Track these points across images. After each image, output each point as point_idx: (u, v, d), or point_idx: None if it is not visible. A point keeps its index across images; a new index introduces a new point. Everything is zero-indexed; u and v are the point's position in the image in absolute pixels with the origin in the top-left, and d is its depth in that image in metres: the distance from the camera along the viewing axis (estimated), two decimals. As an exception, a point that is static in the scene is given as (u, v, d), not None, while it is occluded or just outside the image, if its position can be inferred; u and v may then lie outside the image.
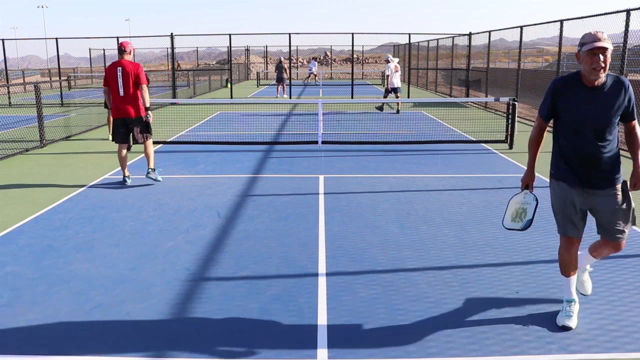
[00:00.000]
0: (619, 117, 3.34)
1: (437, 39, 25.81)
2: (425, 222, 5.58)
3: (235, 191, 6.89)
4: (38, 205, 6.30)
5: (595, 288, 4.00)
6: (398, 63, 17.16)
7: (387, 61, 16.88)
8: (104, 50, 34.89)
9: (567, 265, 3.52)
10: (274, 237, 5.17)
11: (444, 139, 10.79)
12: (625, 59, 9.62)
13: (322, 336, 3.35)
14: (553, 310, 3.65)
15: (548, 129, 3.62)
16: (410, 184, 7.24)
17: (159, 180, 7.23)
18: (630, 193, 3.41)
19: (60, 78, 23.39)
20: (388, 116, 15.55)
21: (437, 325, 3.48)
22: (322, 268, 4.41)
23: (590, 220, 3.55)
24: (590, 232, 3.79)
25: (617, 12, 9.85)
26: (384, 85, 17.07)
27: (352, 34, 21.35)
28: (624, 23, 9.51)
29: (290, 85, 22.62)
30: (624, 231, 3.41)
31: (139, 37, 66.17)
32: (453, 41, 22.62)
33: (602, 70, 3.14)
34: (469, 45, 19.74)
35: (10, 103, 20.32)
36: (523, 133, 11.82)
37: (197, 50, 41.62)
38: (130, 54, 7.18)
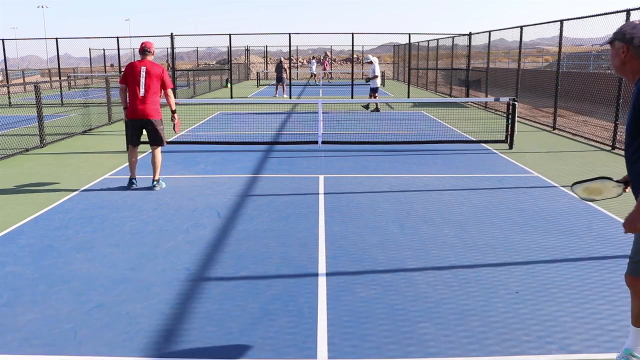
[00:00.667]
0: None
1: (437, 39, 25.82)
2: (425, 222, 5.58)
3: (235, 191, 6.89)
4: (38, 205, 6.30)
5: (595, 288, 4.00)
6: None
7: (371, 62, 16.86)
8: (104, 50, 34.95)
9: None
10: (274, 237, 5.17)
11: (444, 139, 10.78)
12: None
13: (322, 336, 3.35)
14: (553, 310, 3.66)
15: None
16: (410, 184, 7.24)
17: (164, 187, 7.11)
18: None
19: (60, 78, 23.39)
20: (388, 116, 15.56)
21: (437, 325, 3.48)
22: (322, 268, 4.41)
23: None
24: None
25: (617, 12, 9.85)
26: (369, 84, 17.25)
27: (352, 34, 21.35)
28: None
29: (290, 85, 22.64)
30: None
31: (139, 37, 66.10)
32: (453, 41, 22.62)
33: None
34: (469, 45, 19.74)
35: (10, 103, 20.33)
36: (523, 133, 11.82)
37: (197, 50, 41.61)
38: (153, 54, 7.02)
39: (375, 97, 16.70)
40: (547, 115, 14.47)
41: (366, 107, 16.77)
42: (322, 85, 33.23)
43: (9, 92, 21.50)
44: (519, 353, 3.15)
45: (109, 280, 4.20)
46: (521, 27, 14.66)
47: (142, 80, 6.76)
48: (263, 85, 33.41)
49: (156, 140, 6.95)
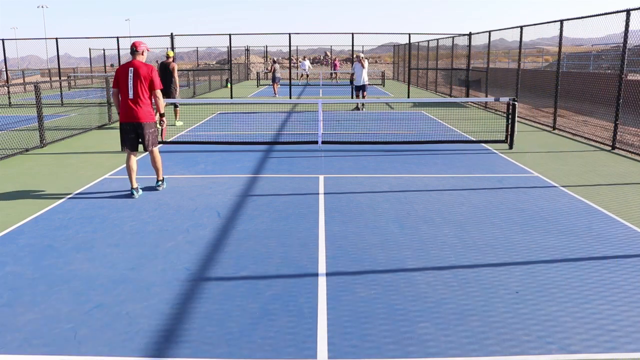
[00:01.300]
0: None
1: (437, 39, 25.82)
2: (425, 222, 5.58)
3: (235, 191, 6.89)
4: (38, 205, 6.30)
5: (595, 288, 4.00)
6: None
7: (362, 59, 16.85)
8: (104, 50, 34.92)
9: None
10: (274, 237, 5.17)
11: (444, 139, 10.78)
12: (625, 59, 9.62)
13: (322, 336, 3.35)
14: (553, 310, 3.66)
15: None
16: (410, 184, 7.23)
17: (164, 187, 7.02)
18: None
19: (60, 78, 23.39)
20: (388, 116, 15.56)
21: (437, 325, 3.48)
22: (322, 268, 4.41)
23: None
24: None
25: (617, 12, 9.85)
26: (352, 83, 17.44)
27: (352, 34, 21.36)
28: (624, 23, 9.51)
29: (290, 85, 22.66)
30: None
31: (139, 37, 66.15)
32: (453, 41, 22.62)
33: None
34: (469, 45, 19.74)
35: (10, 103, 20.33)
36: (523, 133, 11.83)
37: (197, 50, 41.60)
38: (143, 54, 6.70)
39: (358, 96, 16.95)
40: (547, 115, 14.47)
41: (357, 108, 16.97)
42: (322, 85, 33.24)
43: (9, 92, 21.50)
44: (519, 353, 3.15)
45: (109, 280, 4.20)
46: (521, 27, 14.67)
47: (130, 82, 6.49)
48: (263, 85, 33.41)
49: (149, 144, 6.72)
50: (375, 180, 7.49)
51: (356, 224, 5.52)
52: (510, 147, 9.92)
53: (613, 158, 9.07)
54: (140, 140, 6.70)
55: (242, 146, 10.28)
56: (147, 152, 6.85)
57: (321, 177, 7.64)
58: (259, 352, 3.18)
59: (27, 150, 9.93)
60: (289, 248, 4.87)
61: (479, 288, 4.02)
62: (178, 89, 13.68)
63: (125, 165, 6.91)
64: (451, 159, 9.00)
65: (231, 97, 21.89)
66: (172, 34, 20.61)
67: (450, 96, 22.20)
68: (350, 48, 21.80)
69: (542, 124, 13.39)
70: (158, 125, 6.92)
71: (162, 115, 6.84)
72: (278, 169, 8.30)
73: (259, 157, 9.19)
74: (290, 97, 22.23)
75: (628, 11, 9.41)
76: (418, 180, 7.48)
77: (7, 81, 29.57)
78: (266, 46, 46.01)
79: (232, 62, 28.63)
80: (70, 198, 6.60)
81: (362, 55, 17.18)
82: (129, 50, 6.74)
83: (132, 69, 6.54)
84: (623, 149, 9.68)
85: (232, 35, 21.91)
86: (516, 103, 10.04)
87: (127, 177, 6.78)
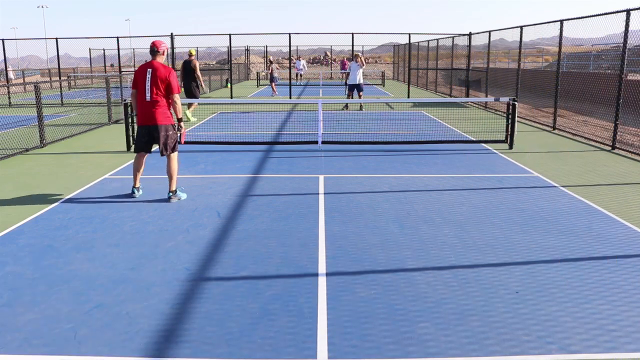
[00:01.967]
0: None
1: (437, 39, 25.82)
2: (425, 222, 5.58)
3: (235, 191, 6.89)
4: (38, 205, 6.30)
5: (595, 288, 4.00)
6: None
7: (360, 58, 16.92)
8: (104, 50, 34.93)
9: None
10: (274, 237, 5.17)
11: (444, 139, 10.78)
12: (625, 59, 9.62)
13: (322, 336, 3.35)
14: (553, 310, 3.66)
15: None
16: (410, 184, 7.23)
17: (183, 198, 6.56)
18: None
19: (60, 78, 23.39)
20: (388, 116, 15.56)
21: (437, 325, 3.48)
22: (322, 268, 4.41)
23: None
24: None
25: (617, 12, 9.85)
26: (345, 82, 17.57)
27: (352, 34, 21.36)
28: (624, 23, 9.51)
29: (290, 85, 22.67)
30: None
31: (139, 37, 66.12)
32: (453, 41, 22.62)
33: None
34: (469, 45, 19.74)
35: (10, 103, 20.33)
36: (523, 133, 11.83)
37: (197, 50, 41.58)
38: (163, 54, 6.41)
39: (351, 95, 17.04)
40: (547, 115, 14.47)
41: (357, 108, 17.04)
42: (323, 85, 33.24)
43: (9, 92, 21.51)
44: (519, 353, 3.15)
45: (109, 280, 4.20)
46: (521, 27, 14.67)
47: (148, 83, 6.25)
48: (263, 85, 33.41)
49: (166, 148, 6.37)
50: (375, 180, 7.49)
51: (356, 224, 5.52)
52: (510, 147, 9.92)
53: (613, 158, 9.07)
54: (155, 142, 6.42)
55: (242, 146, 10.28)
56: (164, 156, 6.46)
57: (321, 177, 7.64)
58: (259, 352, 3.18)
59: (27, 150, 9.94)
60: (289, 248, 4.88)
61: (479, 288, 4.02)
62: (202, 87, 14.65)
63: (127, 163, 6.81)
64: (451, 159, 9.00)
65: (231, 97, 21.89)
66: (172, 34, 20.61)
67: (450, 96, 22.19)
68: (351, 48, 21.80)
69: (542, 124, 13.39)
70: (177, 130, 6.57)
71: (179, 120, 6.49)
72: (278, 169, 8.30)
73: (259, 157, 9.19)
74: (290, 97, 22.23)
75: (628, 11, 9.41)
76: (418, 180, 7.48)
77: (7, 81, 29.57)
78: (266, 46, 46.00)
79: (232, 62, 28.62)
80: (70, 198, 6.60)
81: (360, 54, 17.22)
82: (148, 50, 6.45)
83: (150, 70, 6.29)
84: (623, 149, 9.67)
85: (232, 35, 21.92)
86: (516, 103, 10.04)
87: (132, 176, 6.70)
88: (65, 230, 5.38)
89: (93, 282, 4.15)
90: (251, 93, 26.84)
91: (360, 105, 17.41)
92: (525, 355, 3.13)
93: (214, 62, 51.69)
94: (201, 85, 14.36)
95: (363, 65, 16.71)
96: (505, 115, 10.72)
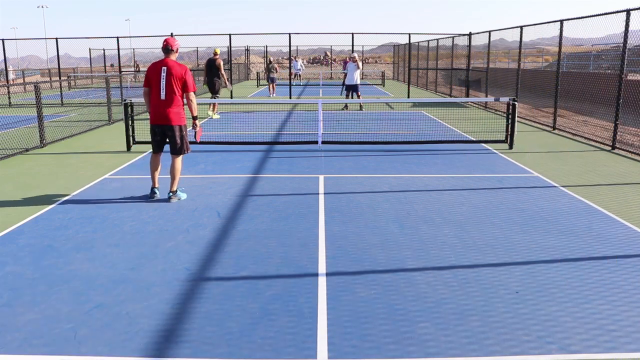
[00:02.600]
0: None
1: (437, 39, 25.82)
2: (425, 222, 5.58)
3: (235, 191, 6.89)
4: (38, 205, 6.30)
5: (595, 288, 4.00)
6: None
7: (357, 59, 17.00)
8: (104, 50, 34.94)
9: None
10: (274, 237, 5.17)
11: (444, 139, 10.78)
12: (625, 59, 9.62)
13: (322, 336, 3.35)
14: (553, 310, 3.66)
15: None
16: (410, 184, 7.23)
17: (183, 198, 6.52)
18: None
19: (60, 78, 23.39)
20: (388, 116, 15.56)
21: (437, 325, 3.48)
22: (322, 268, 4.41)
23: None
24: None
25: (617, 12, 9.85)
26: (343, 82, 17.76)
27: (352, 34, 21.36)
28: (624, 23, 9.51)
29: (290, 85, 22.68)
30: None
31: (139, 37, 66.15)
32: (453, 41, 22.62)
33: None
34: (469, 45, 19.74)
35: (10, 103, 20.33)
36: (523, 133, 11.83)
37: (197, 50, 41.60)
38: (177, 52, 6.36)
39: (349, 96, 17.18)
40: (547, 115, 14.47)
41: (359, 107, 17.12)
42: (322, 85, 33.25)
43: (9, 92, 21.51)
44: (519, 353, 3.15)
45: (109, 280, 4.20)
46: (521, 27, 14.67)
47: (163, 82, 6.15)
48: (263, 85, 33.40)
49: (176, 148, 6.35)
50: (375, 180, 7.49)
51: (356, 224, 5.52)
52: (510, 147, 9.92)
53: (613, 158, 9.07)
54: (168, 142, 6.38)
55: (242, 146, 10.28)
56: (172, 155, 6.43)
57: (321, 177, 7.64)
58: (259, 352, 3.18)
59: (27, 150, 9.93)
60: (289, 248, 4.87)
61: (479, 288, 4.02)
62: (227, 83, 15.50)
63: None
64: (451, 159, 9.00)
65: (231, 97, 21.88)
66: (172, 34, 20.60)
67: (450, 96, 22.19)
68: (351, 48, 21.80)
69: (542, 124, 13.39)
70: (191, 128, 6.61)
71: (195, 118, 6.48)
72: (278, 169, 8.29)
73: (259, 157, 9.19)
74: (290, 97, 22.23)
75: (628, 11, 9.41)
76: (418, 180, 7.48)
77: (7, 81, 29.57)
78: (266, 46, 45.97)
79: (232, 62, 28.61)
80: (70, 198, 6.60)
81: (356, 55, 17.26)
82: (161, 48, 6.35)
83: (165, 67, 6.18)
84: (623, 149, 9.67)
85: (232, 35, 21.93)
86: (516, 103, 10.04)
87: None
88: (65, 230, 5.38)
89: (93, 282, 4.15)
90: (251, 93, 26.84)
91: (360, 105, 17.45)
92: (525, 355, 3.13)
93: (214, 62, 51.57)
94: (225, 83, 15.22)
95: (359, 67, 16.82)
96: (505, 115, 10.72)
